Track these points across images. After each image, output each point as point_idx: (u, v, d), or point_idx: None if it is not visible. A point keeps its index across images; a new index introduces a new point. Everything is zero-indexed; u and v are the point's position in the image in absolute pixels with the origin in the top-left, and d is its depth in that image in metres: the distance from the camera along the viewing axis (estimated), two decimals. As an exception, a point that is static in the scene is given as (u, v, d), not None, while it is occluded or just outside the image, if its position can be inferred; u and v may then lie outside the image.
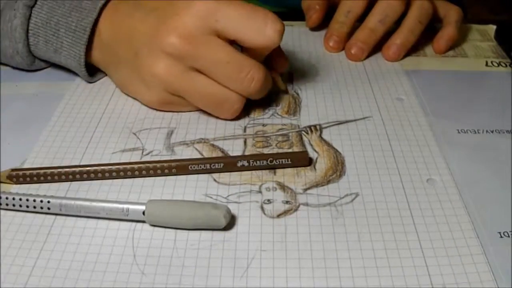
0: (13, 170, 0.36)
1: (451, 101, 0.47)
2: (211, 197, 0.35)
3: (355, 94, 0.47)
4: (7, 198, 0.34)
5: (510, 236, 0.33)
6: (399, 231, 0.33)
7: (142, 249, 0.32)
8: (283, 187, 0.37)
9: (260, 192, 0.36)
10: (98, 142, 0.40)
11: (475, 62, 0.53)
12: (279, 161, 0.38)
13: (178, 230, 0.33)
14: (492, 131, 0.42)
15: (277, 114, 0.44)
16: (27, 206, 0.33)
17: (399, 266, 0.31)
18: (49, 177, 0.36)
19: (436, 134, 0.42)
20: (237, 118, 0.43)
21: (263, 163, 0.37)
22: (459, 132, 0.42)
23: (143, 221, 0.33)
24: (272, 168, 0.38)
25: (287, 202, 0.35)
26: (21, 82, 0.47)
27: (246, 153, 0.40)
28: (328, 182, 0.37)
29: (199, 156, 0.39)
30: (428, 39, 0.55)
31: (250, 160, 0.37)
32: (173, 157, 0.39)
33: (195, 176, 0.37)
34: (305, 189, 0.36)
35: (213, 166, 0.37)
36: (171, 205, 0.33)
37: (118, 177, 0.37)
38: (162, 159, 0.38)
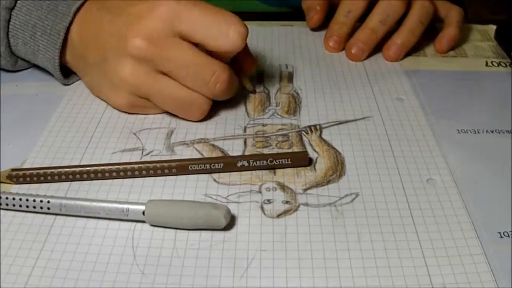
0: (13, 170, 0.36)
1: (451, 101, 0.47)
2: (211, 197, 0.35)
3: (355, 94, 0.47)
4: (7, 198, 0.34)
5: (510, 236, 0.33)
6: (399, 231, 0.33)
7: (142, 249, 0.32)
8: (283, 187, 0.37)
9: (260, 192, 0.36)
10: (98, 142, 0.40)
11: (475, 62, 0.53)
12: (279, 161, 0.38)
13: (178, 230, 0.33)
14: (492, 131, 0.42)
15: (277, 114, 0.44)
16: (27, 206, 0.33)
17: (399, 266, 0.31)
18: (49, 177, 0.36)
19: (436, 134, 0.42)
20: (237, 118, 0.43)
21: (263, 163, 0.37)
22: (459, 132, 0.42)
23: (143, 221, 0.33)
24: (272, 168, 0.38)
25: (287, 202, 0.35)
26: (21, 82, 0.47)
27: (246, 153, 0.40)
28: (328, 182, 0.37)
29: (199, 156, 0.39)
30: (429, 39, 0.55)
31: (250, 160, 0.37)
32: (173, 157, 0.39)
33: (195, 176, 0.37)
34: (305, 189, 0.36)
35: (213, 166, 0.37)
36: (171, 205, 0.33)
37: (118, 177, 0.37)
38: (162, 159, 0.38)
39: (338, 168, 0.38)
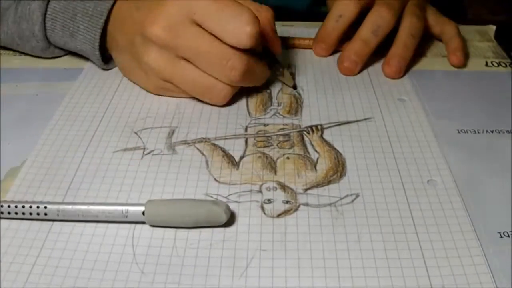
0: None
1: (451, 101, 0.47)
2: (211, 197, 0.36)
3: (357, 95, 0.47)
4: (1, 206, 0.33)
5: (510, 236, 0.33)
6: (399, 232, 0.33)
7: (142, 248, 0.32)
8: (283, 187, 0.37)
9: (260, 191, 0.36)
10: (100, 141, 0.40)
11: (475, 62, 0.53)
12: None
13: (178, 229, 0.33)
14: (492, 131, 0.42)
15: (279, 114, 0.44)
16: (23, 213, 0.33)
17: (399, 266, 0.31)
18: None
19: (437, 135, 0.42)
20: (238, 117, 0.43)
21: None
22: (459, 132, 0.42)
23: (143, 222, 0.33)
24: None
25: (287, 202, 0.35)
26: (21, 82, 0.47)
27: (247, 153, 0.40)
28: (329, 182, 0.37)
29: (200, 156, 0.39)
30: (429, 40, 0.55)
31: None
32: (174, 157, 0.39)
33: (196, 175, 0.37)
34: (306, 189, 0.36)
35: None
36: (170, 204, 0.33)
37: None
38: (163, 158, 0.38)
39: (339, 168, 0.38)
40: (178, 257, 0.31)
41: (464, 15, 0.56)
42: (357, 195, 0.36)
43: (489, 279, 0.30)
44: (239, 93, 0.45)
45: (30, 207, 0.33)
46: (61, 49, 0.49)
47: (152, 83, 0.44)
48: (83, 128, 0.42)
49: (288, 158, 0.39)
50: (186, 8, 0.39)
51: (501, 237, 0.33)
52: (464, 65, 0.52)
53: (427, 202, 0.35)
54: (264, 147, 0.40)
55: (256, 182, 0.37)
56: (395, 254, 0.32)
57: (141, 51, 0.42)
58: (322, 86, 0.48)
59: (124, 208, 0.33)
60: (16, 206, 0.33)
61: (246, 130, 0.42)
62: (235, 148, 0.40)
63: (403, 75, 0.50)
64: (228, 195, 0.36)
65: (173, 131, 0.42)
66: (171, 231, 0.33)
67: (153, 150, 0.40)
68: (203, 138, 0.41)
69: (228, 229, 0.33)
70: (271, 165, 0.38)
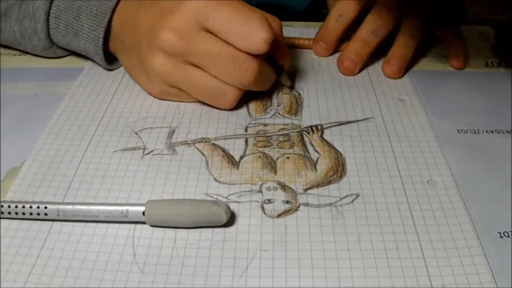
0: None
1: (451, 101, 0.47)
2: (211, 197, 0.36)
3: (357, 95, 0.47)
4: (2, 206, 0.33)
5: (510, 236, 0.33)
6: (399, 232, 0.33)
7: (142, 248, 0.32)
8: (283, 187, 0.37)
9: (260, 191, 0.36)
10: (100, 141, 0.40)
11: (475, 62, 0.53)
12: None
13: (178, 229, 0.33)
14: (492, 131, 0.42)
15: (279, 114, 0.44)
16: (23, 213, 0.33)
17: (399, 266, 0.31)
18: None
19: (437, 135, 0.42)
20: (238, 117, 0.43)
21: None
22: (459, 132, 0.42)
23: (144, 222, 0.33)
24: None
25: (287, 202, 0.35)
26: (21, 82, 0.47)
27: (247, 153, 0.40)
28: (329, 182, 0.37)
29: (200, 156, 0.39)
30: (429, 40, 0.55)
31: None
32: (174, 157, 0.39)
33: (196, 175, 0.37)
34: (306, 189, 0.36)
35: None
36: (171, 204, 0.33)
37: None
38: (163, 158, 0.38)
39: (339, 168, 0.38)
40: (178, 257, 0.31)
41: (464, 14, 0.56)
42: (357, 195, 0.36)
43: (489, 279, 0.30)
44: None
45: (30, 207, 0.33)
46: (63, 49, 0.49)
47: (157, 88, 0.44)
48: (83, 128, 0.42)
49: (288, 158, 0.39)
50: (199, 14, 0.39)
51: (501, 237, 0.33)
52: (463, 68, 0.52)
53: (427, 202, 0.35)
54: (264, 147, 0.40)
55: (256, 182, 0.37)
56: (395, 254, 0.32)
57: (147, 55, 0.42)
58: (322, 86, 0.48)
59: (124, 208, 0.33)
60: (16, 206, 0.33)
61: (246, 130, 0.42)
62: (235, 148, 0.40)
63: (403, 75, 0.50)
64: (228, 195, 0.36)
65: (173, 131, 0.42)
66: (171, 231, 0.33)
67: (153, 150, 0.40)
68: (203, 138, 0.41)
69: (228, 229, 0.33)
70: (271, 165, 0.38)
